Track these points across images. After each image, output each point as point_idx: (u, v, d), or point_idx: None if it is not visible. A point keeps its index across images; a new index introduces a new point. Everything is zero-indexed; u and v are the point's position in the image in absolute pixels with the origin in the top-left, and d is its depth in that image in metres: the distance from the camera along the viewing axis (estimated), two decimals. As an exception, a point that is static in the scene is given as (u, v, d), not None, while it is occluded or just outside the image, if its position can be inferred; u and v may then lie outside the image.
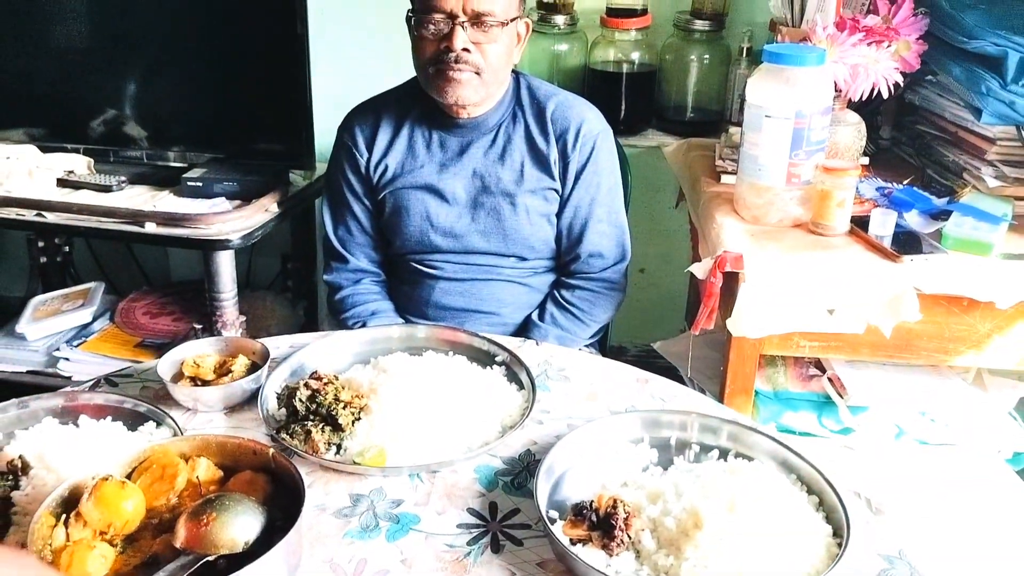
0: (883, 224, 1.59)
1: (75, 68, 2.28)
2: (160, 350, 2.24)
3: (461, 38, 1.55)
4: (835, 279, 1.53)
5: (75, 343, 2.30)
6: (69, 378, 2.22)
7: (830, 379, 1.72)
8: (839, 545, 0.93)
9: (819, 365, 1.76)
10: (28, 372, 2.27)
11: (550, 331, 1.73)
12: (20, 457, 1.02)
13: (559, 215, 1.73)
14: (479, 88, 1.61)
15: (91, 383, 1.30)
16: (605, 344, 1.98)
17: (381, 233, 1.80)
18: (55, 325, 2.32)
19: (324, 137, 2.13)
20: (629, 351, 2.65)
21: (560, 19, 2.28)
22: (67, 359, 2.26)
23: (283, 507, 0.92)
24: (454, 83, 1.59)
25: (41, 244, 2.55)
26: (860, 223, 1.63)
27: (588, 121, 1.70)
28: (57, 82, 2.29)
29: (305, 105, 2.12)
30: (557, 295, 1.77)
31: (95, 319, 2.38)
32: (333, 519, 1.02)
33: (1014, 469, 1.70)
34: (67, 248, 2.61)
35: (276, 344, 1.39)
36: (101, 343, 2.30)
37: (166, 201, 2.10)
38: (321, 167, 2.19)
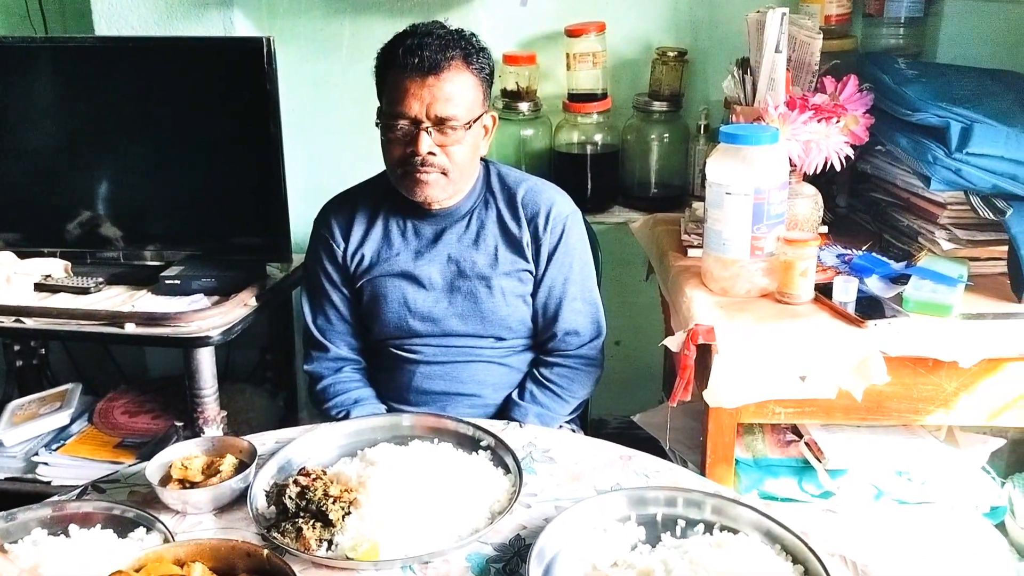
0: (845, 291, 1.65)
1: (48, 171, 2.30)
2: (140, 449, 2.23)
3: (426, 143, 1.61)
4: (805, 346, 1.58)
5: (54, 447, 2.27)
6: (48, 483, 2.19)
7: (807, 444, 1.75)
8: (827, 613, 0.96)
9: (796, 431, 1.80)
10: (6, 479, 2.23)
11: (530, 409, 1.75)
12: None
13: (534, 295, 1.78)
14: (446, 187, 1.67)
15: (78, 491, 1.30)
16: (586, 418, 2.00)
17: (360, 320, 1.83)
18: (33, 429, 2.30)
19: (299, 229, 2.18)
20: (610, 423, 2.67)
21: (524, 106, 2.36)
22: (46, 463, 2.23)
23: (280, 608, 0.93)
24: (421, 184, 1.65)
25: (17, 348, 2.53)
26: (824, 290, 1.69)
27: (557, 204, 1.77)
28: (30, 186, 2.30)
29: (281, 200, 2.16)
30: (536, 373, 1.80)
31: (73, 421, 2.36)
32: (329, 616, 1.03)
33: (992, 523, 1.73)
34: (43, 350, 2.60)
35: (262, 440, 1.40)
36: (80, 445, 2.27)
37: (144, 300, 2.12)
38: (297, 259, 2.22)
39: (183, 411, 2.14)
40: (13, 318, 2.04)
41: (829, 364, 1.58)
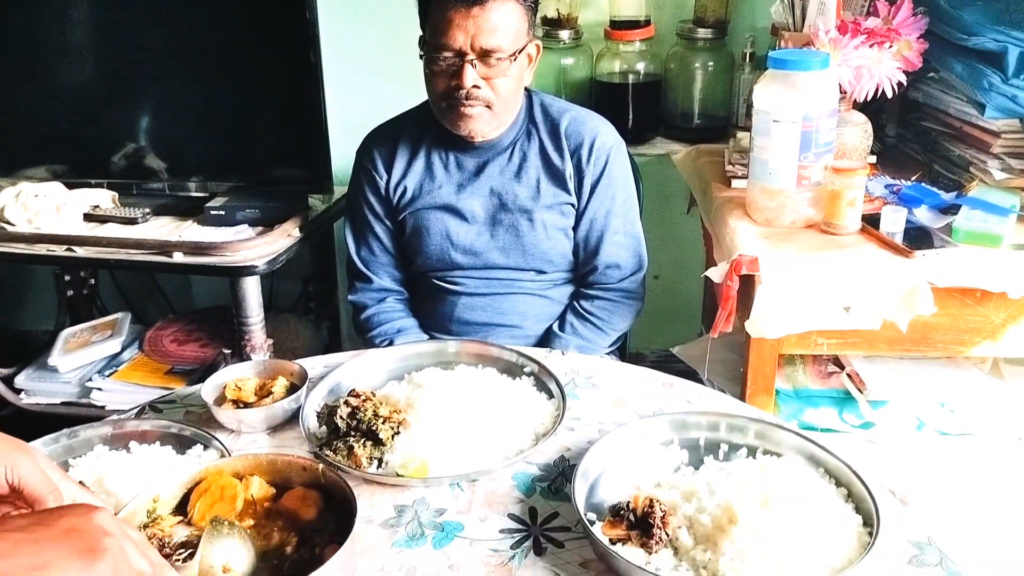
0: (894, 221, 1.63)
1: (93, 104, 2.33)
2: (190, 376, 2.29)
3: (471, 75, 1.59)
4: (850, 277, 1.57)
5: (106, 373, 2.35)
6: (103, 408, 2.27)
7: (849, 375, 1.75)
8: (870, 534, 0.97)
9: (837, 362, 1.80)
10: (62, 403, 2.32)
11: (570, 341, 1.77)
12: (80, 483, 1.06)
13: (575, 228, 1.77)
14: (491, 120, 1.66)
15: (136, 410, 1.34)
16: (624, 351, 2.01)
17: (403, 252, 1.84)
18: (86, 356, 2.37)
19: (341, 161, 2.19)
20: (647, 356, 2.69)
21: (565, 34, 2.32)
22: (100, 389, 2.31)
23: (335, 520, 0.96)
24: (466, 118, 1.64)
25: (68, 278, 2.60)
26: (871, 221, 1.66)
27: (601, 135, 1.75)
28: (77, 119, 2.34)
29: (321, 131, 2.17)
30: (576, 306, 1.80)
31: (124, 349, 2.43)
32: (380, 530, 1.06)
33: (1035, 455, 1.73)
34: (92, 281, 2.67)
35: (311, 364, 1.43)
36: (132, 372, 2.35)
37: (191, 231, 2.16)
38: (339, 190, 2.23)
39: (230, 339, 2.20)
40: (64, 247, 2.09)
41: (874, 295, 1.56)
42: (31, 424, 2.29)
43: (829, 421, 1.74)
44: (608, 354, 1.87)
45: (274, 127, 2.26)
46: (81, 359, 2.37)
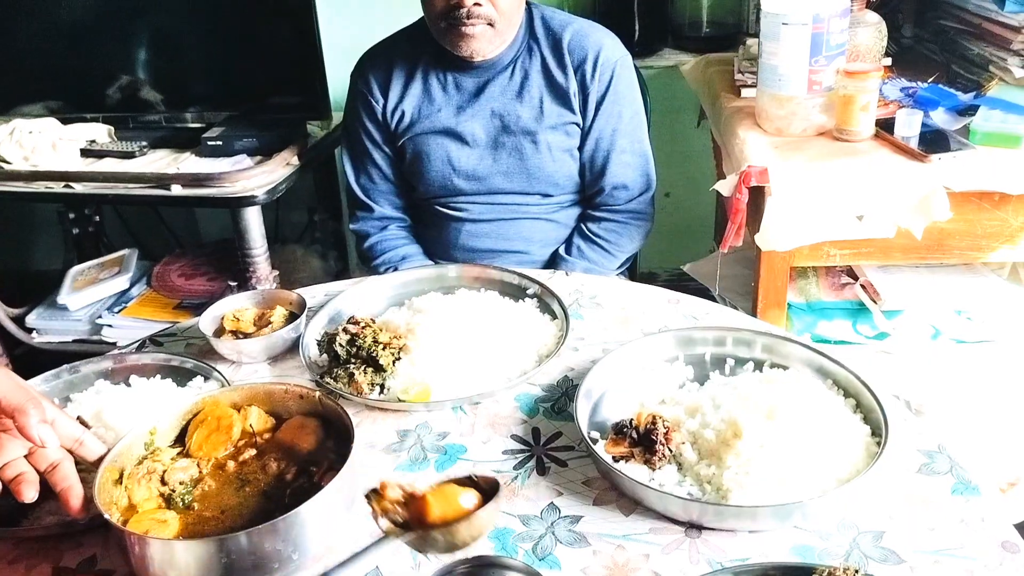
0: (909, 125, 1.56)
1: (85, 37, 2.28)
2: (199, 310, 2.27)
3: None
4: (863, 184, 1.52)
5: (116, 309, 2.35)
6: (114, 344, 2.28)
7: (863, 286, 1.72)
8: (878, 444, 0.95)
9: (851, 273, 1.76)
10: (74, 341, 2.34)
11: (578, 264, 1.74)
12: (79, 418, 1.06)
13: (581, 148, 1.72)
14: (493, 38, 1.59)
15: (136, 344, 1.33)
16: (635, 271, 1.98)
17: (403, 179, 1.80)
18: (95, 294, 2.37)
19: (338, 86, 2.13)
20: (659, 276, 2.66)
21: (565, -58, 2.23)
22: (110, 325, 2.32)
23: (335, 448, 0.96)
24: (467, 38, 1.58)
25: (72, 216, 2.58)
26: (885, 126, 1.60)
27: (606, 48, 1.68)
28: (69, 53, 2.30)
29: (316, 55, 2.12)
30: (584, 228, 1.76)
31: (132, 285, 2.43)
32: (383, 455, 1.05)
33: (1054, 361, 1.70)
34: (97, 217, 2.65)
35: (311, 293, 1.42)
36: (141, 308, 2.35)
37: (189, 163, 2.12)
38: (337, 116, 2.19)
39: (237, 272, 2.18)
40: (62, 183, 2.07)
41: (888, 202, 1.52)
42: (44, 363, 2.30)
43: (843, 333, 1.72)
44: (618, 275, 1.84)
45: (268, 53, 2.21)
46: (90, 296, 2.37)
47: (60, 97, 2.35)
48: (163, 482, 0.93)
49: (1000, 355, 1.67)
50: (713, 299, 1.89)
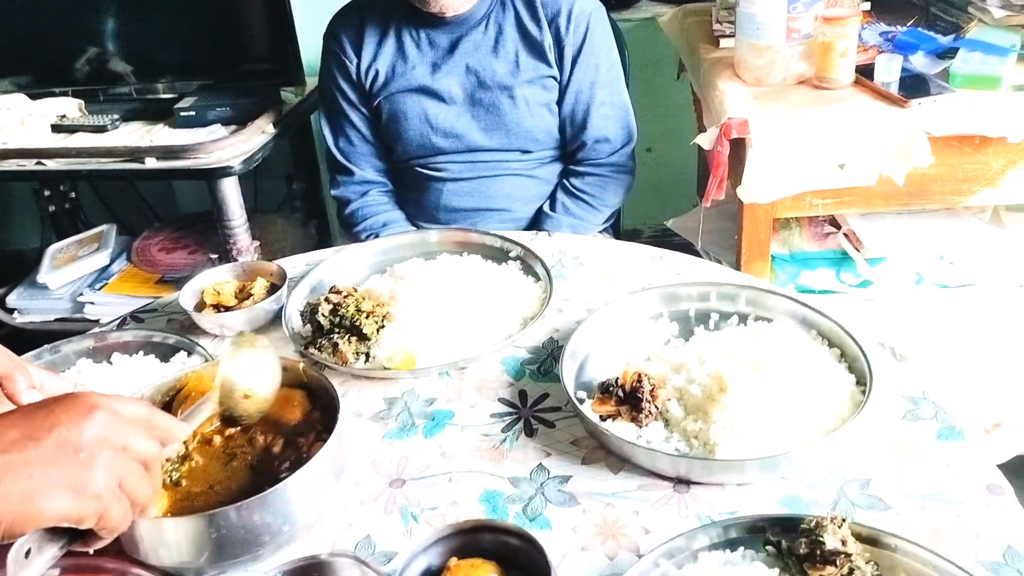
0: (888, 70, 1.55)
1: (51, 9, 2.23)
2: (181, 283, 2.25)
3: None
4: (843, 132, 1.51)
5: (97, 286, 2.33)
6: (97, 321, 2.26)
7: (846, 234, 1.72)
8: (863, 393, 0.95)
9: (834, 222, 1.76)
10: (56, 320, 2.32)
11: (563, 220, 1.73)
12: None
13: (560, 103, 1.70)
14: None
15: (118, 321, 1.32)
16: (618, 228, 1.98)
17: (383, 141, 1.78)
18: (75, 271, 2.35)
19: (310, 51, 2.10)
20: (643, 232, 2.65)
21: None
22: (92, 303, 2.30)
23: (321, 419, 0.95)
24: None
25: (47, 193, 2.55)
26: (865, 72, 1.59)
27: (579, 1, 1.65)
28: (36, 26, 2.25)
29: (287, 19, 2.08)
30: (567, 184, 1.75)
31: (112, 261, 2.41)
32: (371, 423, 1.05)
33: (1036, 301, 1.71)
34: (73, 194, 2.61)
35: (292, 264, 1.40)
36: (122, 284, 2.33)
37: (162, 134, 2.09)
38: (311, 82, 2.16)
39: (217, 244, 2.16)
40: (34, 160, 2.03)
41: (869, 149, 1.51)
42: (27, 343, 2.28)
43: (826, 282, 1.72)
44: (602, 232, 1.84)
45: (238, 19, 2.17)
46: (70, 274, 2.35)
47: (28, 72, 2.30)
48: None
49: (982, 298, 1.67)
50: (697, 254, 1.89)
